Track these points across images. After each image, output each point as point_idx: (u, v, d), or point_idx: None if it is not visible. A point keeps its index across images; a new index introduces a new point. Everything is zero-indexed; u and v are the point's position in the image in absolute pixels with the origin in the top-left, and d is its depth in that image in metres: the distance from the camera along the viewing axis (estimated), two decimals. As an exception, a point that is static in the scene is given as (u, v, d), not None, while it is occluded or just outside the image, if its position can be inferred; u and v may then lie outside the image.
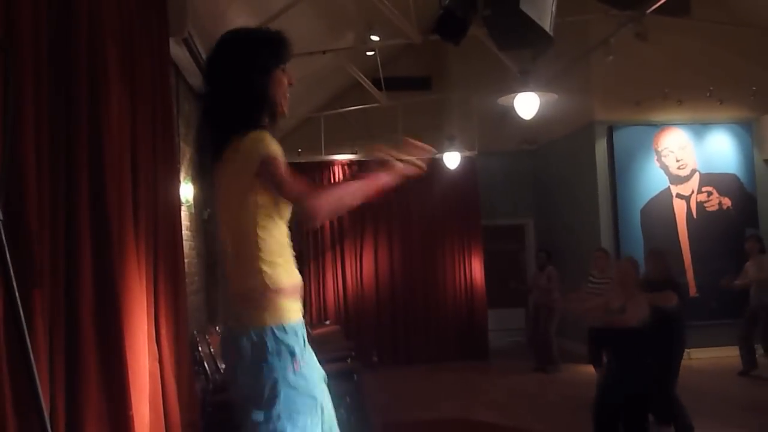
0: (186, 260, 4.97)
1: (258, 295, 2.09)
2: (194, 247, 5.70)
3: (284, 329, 2.08)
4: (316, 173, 9.54)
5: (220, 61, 2.21)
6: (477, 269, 9.83)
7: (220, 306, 6.74)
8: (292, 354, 2.07)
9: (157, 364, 3.90)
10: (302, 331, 2.14)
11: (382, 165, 2.12)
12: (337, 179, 9.73)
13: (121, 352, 2.92)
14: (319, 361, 2.24)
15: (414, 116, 9.63)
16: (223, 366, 2.27)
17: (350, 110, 9.51)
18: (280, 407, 2.05)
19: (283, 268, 2.13)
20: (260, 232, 2.10)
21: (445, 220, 9.83)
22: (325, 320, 9.01)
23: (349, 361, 6.42)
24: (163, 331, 3.98)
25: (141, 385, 3.47)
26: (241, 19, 6.19)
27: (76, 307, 2.77)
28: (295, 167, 2.72)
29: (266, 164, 2.06)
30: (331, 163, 9.75)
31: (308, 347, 2.18)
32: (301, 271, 2.28)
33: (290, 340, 2.08)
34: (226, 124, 2.15)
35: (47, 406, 2.48)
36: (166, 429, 3.88)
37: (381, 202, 9.68)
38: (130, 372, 3.04)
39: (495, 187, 10.57)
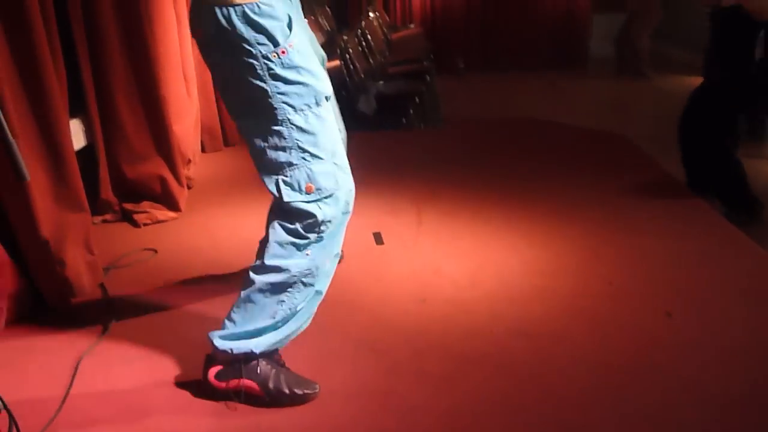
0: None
1: None
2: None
3: (258, 8, 1.63)
4: None
5: None
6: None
7: None
8: (274, 42, 1.65)
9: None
10: (288, 13, 1.70)
11: None
12: None
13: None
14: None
15: None
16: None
17: None
18: (269, 112, 1.71)
19: None
20: None
21: None
22: (410, 23, 8.51)
23: (425, 63, 6.12)
24: None
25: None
26: None
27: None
28: None
29: None
30: None
31: (304, 38, 1.77)
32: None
33: (267, 22, 1.64)
34: None
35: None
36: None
37: None
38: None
39: None
